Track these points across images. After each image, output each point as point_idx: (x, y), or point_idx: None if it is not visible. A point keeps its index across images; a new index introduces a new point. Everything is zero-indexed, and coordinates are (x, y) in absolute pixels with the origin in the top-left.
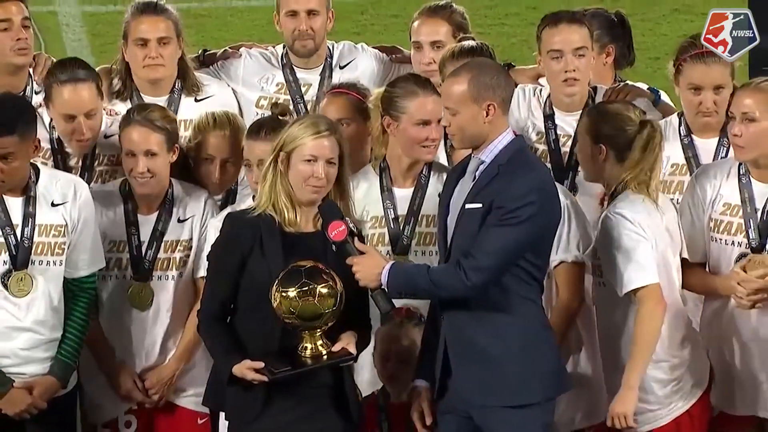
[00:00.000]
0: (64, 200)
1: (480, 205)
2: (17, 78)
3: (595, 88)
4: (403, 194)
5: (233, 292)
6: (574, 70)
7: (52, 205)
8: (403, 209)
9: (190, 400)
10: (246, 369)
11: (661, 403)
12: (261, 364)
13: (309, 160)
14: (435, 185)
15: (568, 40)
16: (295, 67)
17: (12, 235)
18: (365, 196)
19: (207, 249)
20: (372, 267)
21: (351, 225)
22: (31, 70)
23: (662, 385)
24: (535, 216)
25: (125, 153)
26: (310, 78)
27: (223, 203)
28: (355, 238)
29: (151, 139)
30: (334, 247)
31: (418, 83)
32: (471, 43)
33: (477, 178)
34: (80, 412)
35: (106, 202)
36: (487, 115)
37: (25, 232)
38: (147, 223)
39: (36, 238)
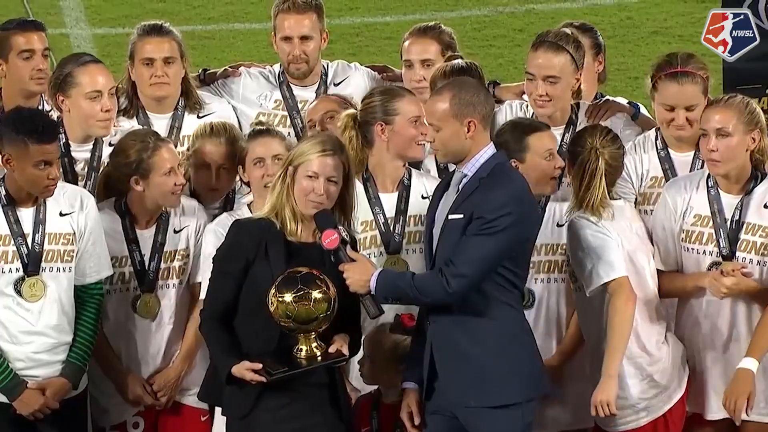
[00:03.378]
0: (71, 210)
1: (461, 216)
2: (31, 102)
3: (578, 104)
4: (388, 198)
5: (236, 295)
6: (540, 96)
7: (61, 214)
8: (390, 212)
9: (194, 398)
10: (245, 370)
11: (642, 406)
12: (259, 365)
13: (311, 176)
14: (417, 188)
15: (543, 65)
16: (291, 85)
17: (24, 245)
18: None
19: (204, 255)
20: (361, 273)
21: (344, 234)
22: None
23: (643, 390)
24: (513, 226)
25: (164, 173)
26: (306, 95)
27: (221, 210)
28: (348, 246)
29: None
30: (333, 257)
31: (396, 87)
32: (460, 62)
33: (460, 190)
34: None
35: (104, 220)
36: (468, 131)
37: (36, 239)
38: (145, 237)
39: (46, 246)
